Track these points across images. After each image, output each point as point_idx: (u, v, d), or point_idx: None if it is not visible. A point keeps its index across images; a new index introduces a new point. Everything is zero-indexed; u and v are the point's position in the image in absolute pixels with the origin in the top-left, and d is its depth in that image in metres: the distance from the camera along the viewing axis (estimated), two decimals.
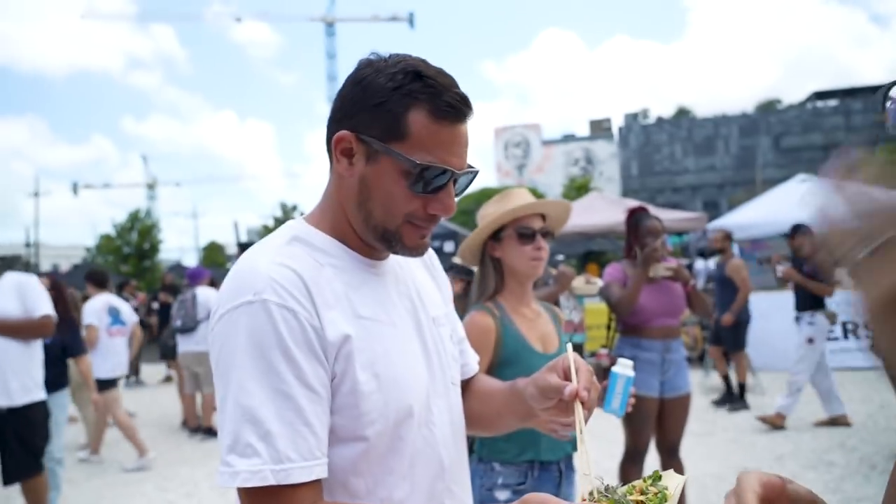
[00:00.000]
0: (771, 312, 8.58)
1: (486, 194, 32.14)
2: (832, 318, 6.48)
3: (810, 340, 6.31)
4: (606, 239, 12.66)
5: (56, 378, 4.62)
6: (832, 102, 76.62)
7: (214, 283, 8.30)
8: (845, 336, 9.30)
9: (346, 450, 1.05)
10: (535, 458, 2.18)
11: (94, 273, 7.31)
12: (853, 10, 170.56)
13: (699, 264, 11.21)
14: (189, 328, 7.18)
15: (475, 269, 4.67)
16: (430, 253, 1.31)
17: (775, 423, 6.27)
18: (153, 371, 12.98)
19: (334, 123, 1.10)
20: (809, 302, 6.40)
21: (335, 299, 1.06)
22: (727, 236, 7.81)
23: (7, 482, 3.79)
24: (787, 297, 6.86)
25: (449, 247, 10.12)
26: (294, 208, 47.25)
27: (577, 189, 43.79)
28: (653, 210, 4.15)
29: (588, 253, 15.94)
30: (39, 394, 3.82)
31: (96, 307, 6.67)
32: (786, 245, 7.32)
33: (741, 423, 6.65)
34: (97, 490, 5.62)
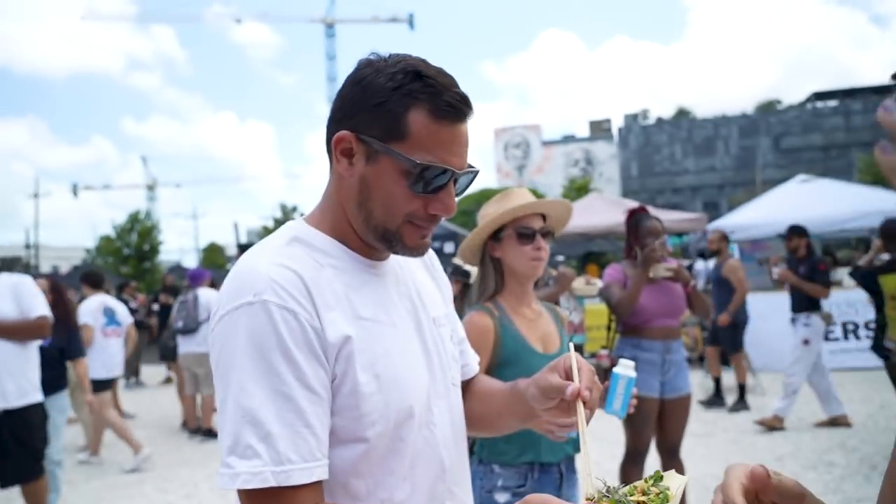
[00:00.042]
0: (770, 313, 8.58)
1: (486, 195, 32.14)
2: (828, 319, 6.47)
3: (806, 342, 6.30)
4: (606, 240, 12.67)
5: (54, 380, 4.59)
6: (832, 103, 76.68)
7: (215, 284, 8.30)
8: (845, 337, 9.31)
9: (347, 451, 1.05)
10: (535, 460, 2.16)
11: (89, 274, 7.36)
12: (853, 10, 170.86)
13: (699, 265, 11.21)
14: (190, 329, 7.19)
15: (471, 269, 4.67)
16: (431, 253, 1.31)
17: (773, 425, 6.26)
18: (153, 372, 12.98)
19: (334, 123, 1.10)
20: (805, 303, 6.40)
21: (335, 300, 1.06)
22: (723, 237, 7.81)
23: (6, 484, 3.76)
24: (786, 298, 6.86)
25: (449, 248, 10.13)
26: (294, 209, 47.30)
27: (577, 190, 43.82)
28: (653, 211, 4.15)
29: (588, 254, 15.96)
30: (36, 396, 3.79)
31: (92, 307, 6.70)
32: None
33: (741, 423, 6.64)
34: (97, 491, 5.61)
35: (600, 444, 5.43)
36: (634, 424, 3.65)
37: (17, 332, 3.66)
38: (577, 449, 2.23)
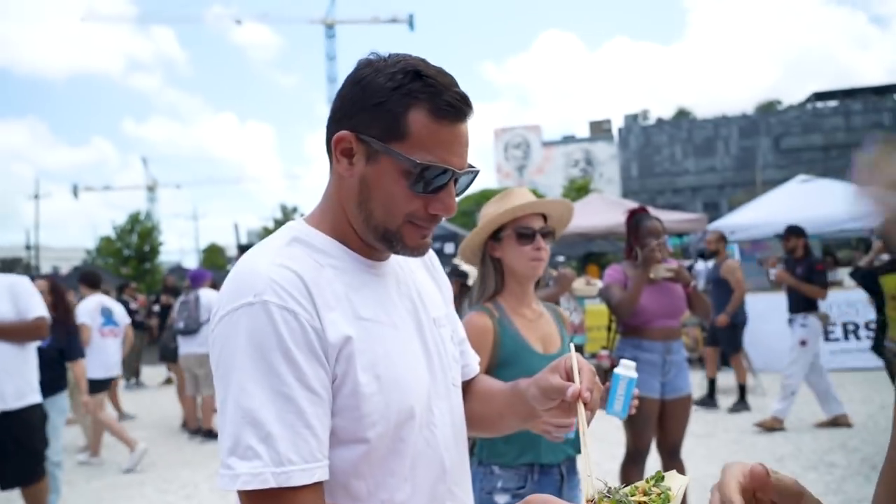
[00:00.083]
0: (771, 313, 8.57)
1: (486, 196, 32.12)
2: (825, 319, 6.46)
3: (803, 342, 6.29)
4: (606, 240, 12.67)
5: (53, 381, 4.57)
6: (832, 103, 76.67)
7: (216, 285, 8.30)
8: (846, 337, 9.30)
9: (348, 452, 1.05)
10: (534, 461, 2.15)
11: (87, 274, 7.41)
12: (853, 11, 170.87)
13: (699, 265, 11.21)
14: (192, 330, 7.18)
15: (469, 270, 4.67)
16: (431, 253, 1.30)
17: (773, 427, 6.26)
18: (154, 373, 12.98)
19: (334, 123, 1.10)
20: (802, 304, 6.39)
21: (336, 300, 1.06)
22: (721, 237, 7.80)
23: (7, 486, 3.73)
24: (786, 298, 6.86)
25: (449, 248, 10.12)
26: (294, 210, 47.32)
27: (577, 190, 43.85)
28: (653, 211, 4.15)
29: (588, 254, 15.97)
30: (35, 397, 3.75)
31: (89, 307, 6.73)
32: None
33: (742, 424, 6.64)
34: (97, 492, 5.61)
35: (601, 444, 5.43)
36: (635, 425, 3.65)
37: (14, 333, 3.61)
38: (578, 450, 2.22)
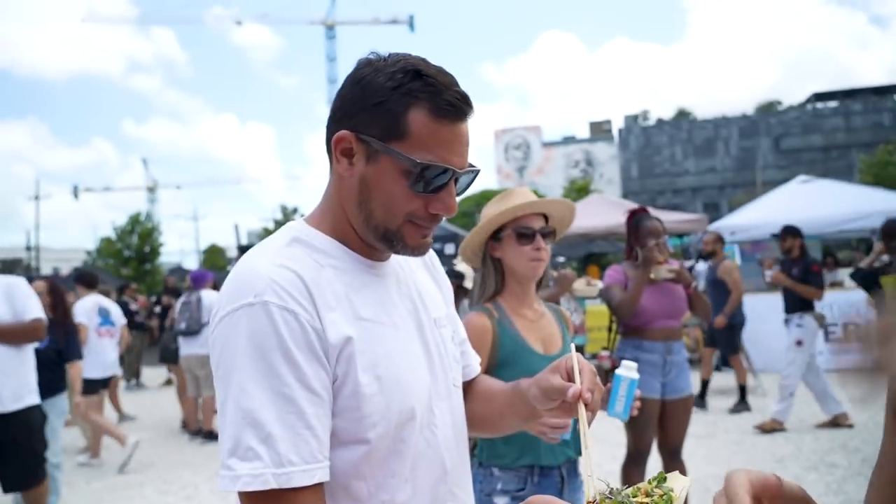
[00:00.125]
0: (771, 314, 8.57)
1: (486, 196, 32.14)
2: (821, 319, 6.45)
3: (799, 343, 6.29)
4: (607, 241, 12.67)
5: (52, 382, 4.55)
6: (832, 104, 76.66)
7: (217, 286, 8.30)
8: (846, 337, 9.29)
9: (348, 453, 1.04)
10: (534, 463, 2.14)
11: (83, 274, 7.46)
12: (853, 11, 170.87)
13: (700, 266, 11.23)
14: (193, 331, 7.18)
15: (465, 270, 4.66)
16: (431, 254, 1.30)
17: (773, 429, 6.25)
18: (154, 374, 12.98)
19: (334, 123, 1.10)
20: (798, 304, 6.38)
21: (336, 301, 1.05)
22: (718, 238, 7.78)
23: (9, 489, 3.70)
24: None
25: (450, 249, 10.10)
26: (294, 211, 47.31)
27: (578, 191, 43.85)
28: (653, 212, 4.14)
29: (589, 255, 15.98)
30: (33, 398, 3.72)
31: (87, 307, 6.76)
32: None
33: (742, 424, 6.63)
34: (97, 493, 5.60)
35: (601, 445, 5.42)
36: (636, 426, 3.64)
37: (10, 335, 3.58)
38: (579, 452, 2.22)
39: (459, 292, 4.75)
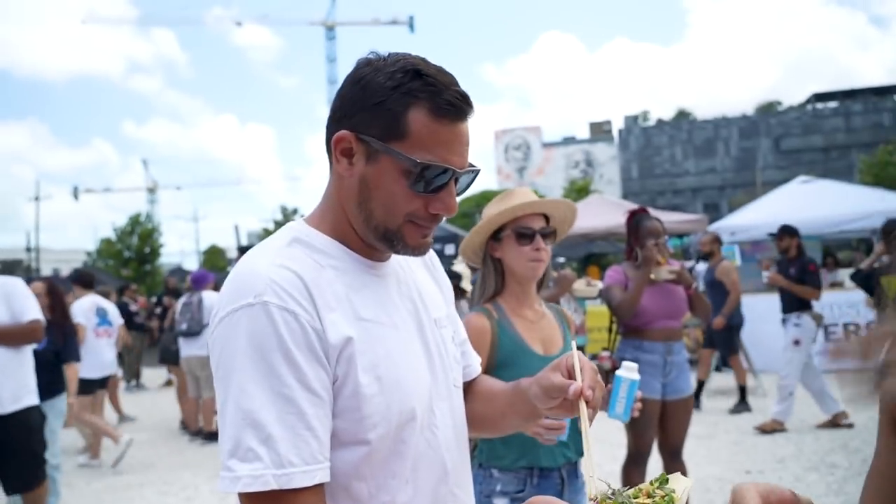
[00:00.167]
0: (771, 314, 8.55)
1: (486, 197, 32.14)
2: (818, 319, 6.45)
3: (796, 342, 6.28)
4: (607, 241, 12.66)
5: (50, 384, 4.53)
6: (832, 104, 76.66)
7: (218, 287, 8.28)
8: (847, 338, 9.29)
9: (349, 453, 1.04)
10: (533, 465, 2.13)
11: (81, 274, 7.52)
12: (853, 11, 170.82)
13: (700, 267, 11.23)
14: (195, 332, 7.18)
15: (462, 271, 4.66)
16: (432, 254, 1.29)
17: (773, 429, 6.24)
18: (154, 375, 12.97)
19: (334, 123, 1.09)
20: (795, 303, 6.38)
21: (336, 301, 1.05)
22: (715, 239, 7.77)
23: (10, 492, 3.68)
24: None
25: (450, 250, 10.09)
26: (295, 212, 47.31)
27: (578, 191, 43.87)
28: (653, 212, 4.14)
29: (589, 255, 15.97)
30: (32, 399, 3.70)
31: (84, 307, 6.79)
32: None
33: (743, 425, 6.63)
34: (97, 494, 5.60)
35: (602, 445, 5.42)
36: (636, 426, 3.64)
37: (8, 336, 3.56)
38: (579, 454, 2.21)
39: (456, 293, 4.75)
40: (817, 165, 64.63)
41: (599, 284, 5.21)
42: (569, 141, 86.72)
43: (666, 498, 0.82)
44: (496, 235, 2.21)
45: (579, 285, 5.85)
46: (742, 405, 7.27)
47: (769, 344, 8.76)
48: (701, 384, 7.64)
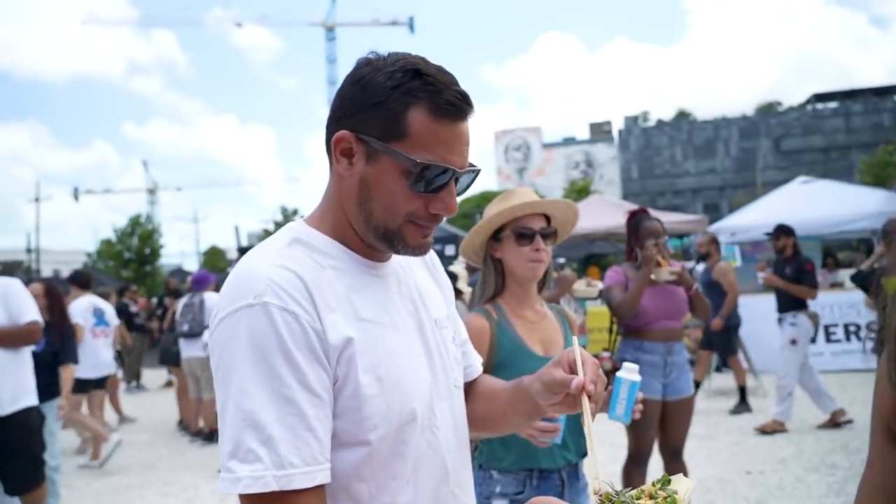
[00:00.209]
0: (769, 314, 8.55)
1: (486, 198, 32.13)
2: (815, 318, 6.44)
3: (793, 342, 6.28)
4: (607, 242, 12.67)
5: (49, 385, 4.51)
6: (832, 104, 76.69)
7: (219, 288, 8.26)
8: (847, 338, 9.29)
9: (349, 454, 1.04)
10: (533, 466, 2.12)
11: (78, 275, 7.52)
12: (853, 12, 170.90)
13: (700, 267, 11.23)
14: (196, 333, 7.18)
15: (459, 272, 4.65)
16: (432, 254, 1.29)
17: (774, 430, 6.24)
18: (154, 376, 12.97)
19: (334, 123, 1.09)
20: (791, 303, 6.37)
21: (336, 302, 1.05)
22: (712, 240, 7.77)
23: (11, 493, 3.67)
24: None
25: (450, 250, 10.09)
26: (295, 212, 47.28)
27: (578, 192, 43.87)
28: (653, 213, 4.14)
29: (589, 256, 15.97)
30: (31, 399, 3.69)
31: (82, 307, 6.82)
32: None
33: (744, 425, 6.62)
34: (97, 495, 5.60)
35: (602, 446, 5.39)
36: (637, 427, 3.63)
37: (6, 338, 3.55)
38: (580, 455, 2.21)
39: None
40: (817, 166, 64.67)
41: (600, 285, 5.21)
42: (569, 141, 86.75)
43: (668, 499, 0.82)
44: (496, 235, 2.20)
45: (579, 286, 5.84)
46: (742, 406, 7.26)
47: (769, 344, 8.76)
48: (697, 385, 7.64)
